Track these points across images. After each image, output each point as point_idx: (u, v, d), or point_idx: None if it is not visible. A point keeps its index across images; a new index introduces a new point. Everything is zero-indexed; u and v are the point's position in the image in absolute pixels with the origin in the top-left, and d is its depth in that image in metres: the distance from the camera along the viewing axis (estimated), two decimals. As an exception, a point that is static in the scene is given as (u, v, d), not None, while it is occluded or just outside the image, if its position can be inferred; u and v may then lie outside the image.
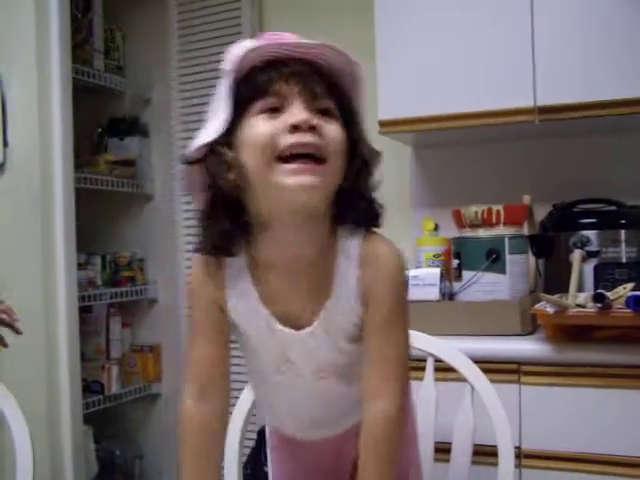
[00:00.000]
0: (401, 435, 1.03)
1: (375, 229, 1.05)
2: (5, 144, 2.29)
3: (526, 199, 2.15)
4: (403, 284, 1.06)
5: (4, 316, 1.55)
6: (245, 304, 1.05)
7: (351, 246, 1.02)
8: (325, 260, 1.02)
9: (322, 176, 0.94)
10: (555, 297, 1.74)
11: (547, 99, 2.00)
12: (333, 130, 0.96)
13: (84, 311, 2.57)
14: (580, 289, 1.88)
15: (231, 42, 2.86)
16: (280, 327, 1.05)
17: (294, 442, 1.20)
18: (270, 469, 1.32)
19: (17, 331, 1.58)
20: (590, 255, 1.97)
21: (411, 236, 2.32)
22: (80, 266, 2.51)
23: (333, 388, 1.10)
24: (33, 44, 2.26)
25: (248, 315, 1.06)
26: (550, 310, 1.70)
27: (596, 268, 1.94)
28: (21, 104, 2.29)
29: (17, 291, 2.29)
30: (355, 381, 1.07)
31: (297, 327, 1.04)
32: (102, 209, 2.88)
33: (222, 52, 2.87)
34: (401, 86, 2.16)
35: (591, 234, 1.99)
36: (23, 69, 2.28)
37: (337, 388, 1.10)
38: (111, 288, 2.73)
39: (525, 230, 2.09)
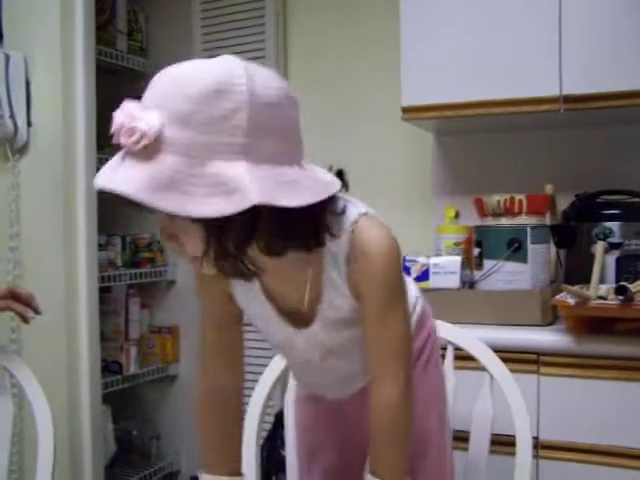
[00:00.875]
0: (407, 417, 1.04)
1: (368, 213, 1.01)
2: (29, 124, 2.30)
3: (549, 189, 2.14)
4: (394, 275, 1.02)
5: (16, 307, 1.53)
6: (250, 295, 1.07)
7: (337, 244, 0.99)
8: (310, 261, 1.00)
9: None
10: (576, 288, 1.73)
11: (573, 88, 1.98)
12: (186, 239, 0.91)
13: (104, 291, 2.59)
14: (602, 281, 1.87)
15: (254, 24, 2.88)
16: (282, 323, 1.08)
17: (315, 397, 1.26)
18: (292, 419, 1.38)
19: (26, 321, 1.55)
20: (612, 247, 1.95)
21: (432, 223, 2.31)
22: (100, 247, 2.53)
23: (339, 366, 1.15)
24: (57, 25, 2.26)
25: (253, 304, 1.09)
26: (571, 301, 1.69)
27: (618, 260, 1.92)
28: (45, 85, 2.29)
29: (39, 270, 2.32)
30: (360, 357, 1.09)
31: (298, 320, 1.07)
32: (123, 190, 2.89)
33: (245, 34, 2.88)
34: (425, 72, 2.15)
35: (614, 225, 1.98)
36: (47, 50, 2.28)
37: (343, 366, 1.15)
38: (131, 269, 2.75)
39: (547, 220, 2.08)
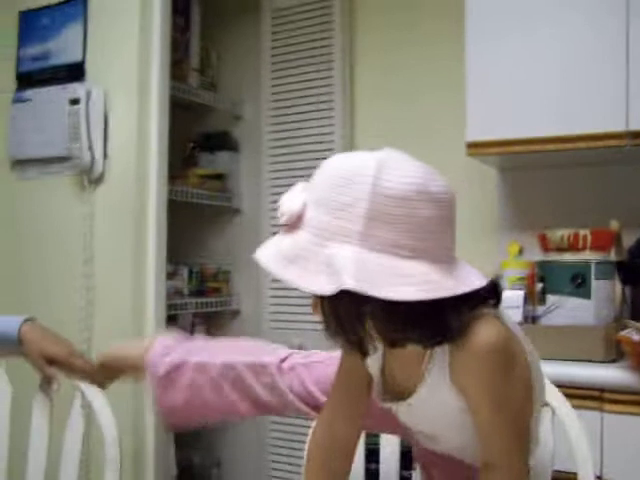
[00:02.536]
0: None
1: (487, 309, 0.98)
2: (105, 156, 2.41)
3: (614, 224, 2.12)
4: (501, 370, 0.96)
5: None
6: (374, 361, 1.09)
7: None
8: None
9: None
10: (641, 325, 1.72)
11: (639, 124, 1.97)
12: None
13: (170, 320, 2.63)
14: (668, 318, 1.84)
15: (322, 62, 2.95)
16: (379, 401, 1.10)
17: None
18: None
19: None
20: (679, 284, 1.92)
21: (496, 259, 2.31)
22: (168, 276, 2.59)
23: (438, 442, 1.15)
24: (135, 63, 2.37)
25: (373, 369, 1.11)
26: (636, 337, 1.67)
27: (686, 298, 1.89)
28: (122, 119, 2.41)
29: (110, 297, 2.40)
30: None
31: (396, 393, 1.08)
32: (191, 221, 2.98)
33: (313, 71, 2.94)
34: (491, 108, 2.17)
35: (680, 263, 1.95)
36: (125, 86, 2.40)
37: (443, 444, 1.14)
38: (197, 298, 2.81)
39: (612, 255, 2.06)
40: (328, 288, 0.87)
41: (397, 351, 1.02)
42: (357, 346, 0.96)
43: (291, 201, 0.94)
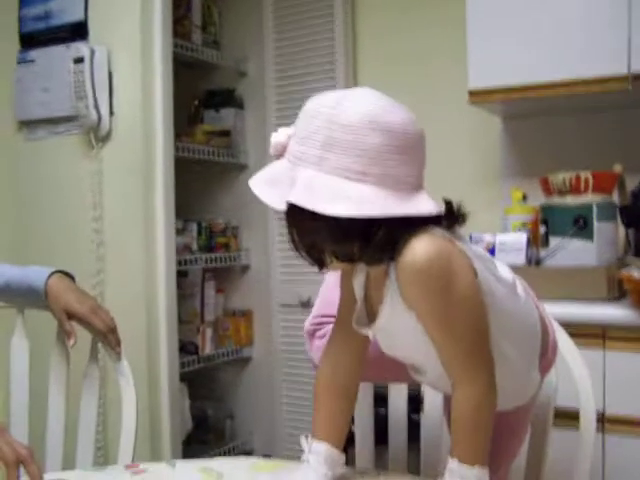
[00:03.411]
0: (483, 418, 1.04)
1: (432, 232, 1.02)
2: (111, 113, 2.42)
3: (617, 168, 2.12)
4: (436, 283, 1.00)
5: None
6: (358, 287, 1.14)
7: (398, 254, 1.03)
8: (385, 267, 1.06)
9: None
10: (643, 263, 1.74)
11: (642, 66, 1.97)
12: None
13: (180, 275, 2.68)
14: (670, 258, 1.86)
15: (324, 16, 2.93)
16: (355, 324, 1.15)
17: None
18: None
19: (115, 350, 1.56)
20: (681, 225, 1.94)
21: (499, 206, 2.33)
22: (177, 232, 2.62)
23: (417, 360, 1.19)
24: (138, 20, 2.38)
25: (359, 297, 1.15)
26: (637, 275, 1.69)
27: (688, 238, 1.91)
28: (126, 77, 2.42)
29: (120, 254, 2.44)
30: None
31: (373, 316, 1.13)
32: (198, 178, 3.00)
33: (315, 25, 2.93)
34: (492, 54, 2.17)
35: (683, 204, 1.96)
36: (128, 44, 2.40)
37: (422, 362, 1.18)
38: (206, 253, 2.84)
39: (614, 198, 2.07)
40: (278, 203, 0.98)
41: (373, 275, 1.09)
42: (314, 259, 1.05)
43: (278, 135, 1.05)
